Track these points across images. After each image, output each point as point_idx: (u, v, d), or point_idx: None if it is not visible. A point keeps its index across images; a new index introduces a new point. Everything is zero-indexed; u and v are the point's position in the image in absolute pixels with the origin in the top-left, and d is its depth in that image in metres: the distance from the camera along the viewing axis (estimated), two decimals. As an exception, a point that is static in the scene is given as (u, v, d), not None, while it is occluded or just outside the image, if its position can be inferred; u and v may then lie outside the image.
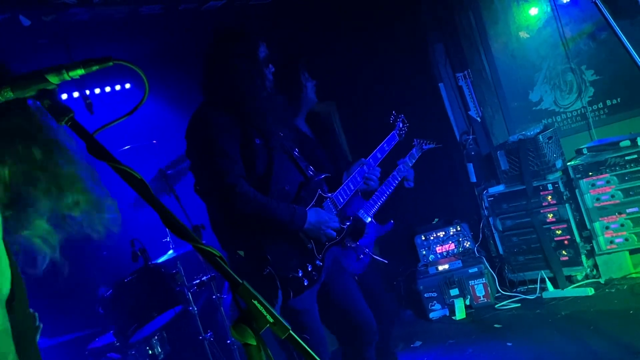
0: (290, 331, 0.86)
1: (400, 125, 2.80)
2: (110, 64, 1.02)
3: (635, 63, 1.90)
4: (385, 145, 2.73)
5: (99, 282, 3.85)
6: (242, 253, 2.45)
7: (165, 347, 3.59)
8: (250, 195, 2.28)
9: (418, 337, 3.83)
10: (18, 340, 1.06)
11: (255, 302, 0.87)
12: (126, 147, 3.90)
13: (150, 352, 3.53)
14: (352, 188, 2.57)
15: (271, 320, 0.87)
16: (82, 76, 1.03)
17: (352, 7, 4.15)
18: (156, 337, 3.56)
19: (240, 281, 0.87)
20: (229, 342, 3.29)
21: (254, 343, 0.86)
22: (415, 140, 3.10)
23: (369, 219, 2.83)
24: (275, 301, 2.38)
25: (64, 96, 4.03)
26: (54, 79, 0.98)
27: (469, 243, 4.01)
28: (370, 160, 2.65)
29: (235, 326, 0.86)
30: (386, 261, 3.05)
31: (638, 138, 3.66)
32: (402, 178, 2.94)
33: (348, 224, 2.52)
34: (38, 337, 1.51)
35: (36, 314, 1.57)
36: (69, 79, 1.01)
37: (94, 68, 1.00)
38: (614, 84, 3.91)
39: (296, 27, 4.23)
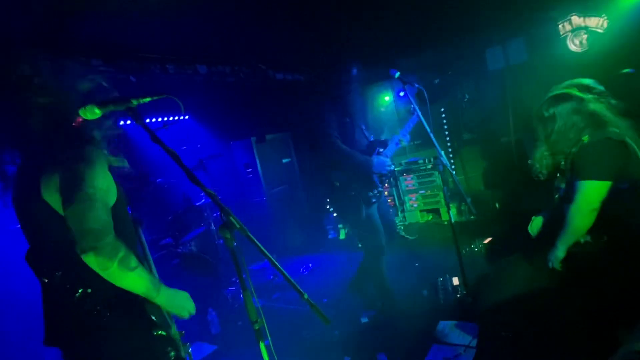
0: (244, 227, 1.07)
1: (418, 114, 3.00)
2: (164, 96, 1.24)
3: (424, 126, 2.61)
4: (410, 123, 3.06)
5: (160, 214, 4.60)
6: (337, 183, 2.67)
7: (197, 246, 4.41)
8: (342, 147, 2.57)
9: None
10: (121, 233, 1.36)
11: (231, 217, 1.07)
12: (184, 147, 5.14)
13: (190, 248, 4.32)
14: (394, 148, 2.94)
15: (237, 226, 1.07)
16: (160, 106, 1.64)
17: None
18: (192, 242, 4.38)
19: (226, 208, 1.07)
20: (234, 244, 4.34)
21: (229, 236, 1.10)
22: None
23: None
24: (361, 210, 2.64)
25: (153, 120, 4.89)
26: (134, 102, 1.23)
27: (335, 210, 4.17)
28: (403, 131, 3.02)
29: (221, 228, 1.11)
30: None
31: (425, 159, 5.61)
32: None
33: (393, 167, 2.86)
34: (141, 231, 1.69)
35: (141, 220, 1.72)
36: (142, 102, 1.25)
37: (155, 98, 1.22)
38: (419, 133, 5.56)
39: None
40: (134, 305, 1.42)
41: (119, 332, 1.38)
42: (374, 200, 2.69)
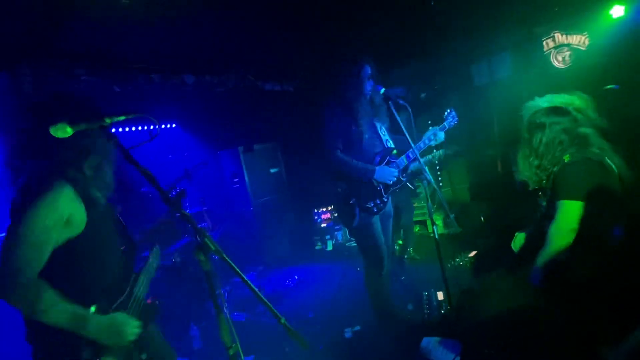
0: (219, 249, 1.06)
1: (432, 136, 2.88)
2: (139, 115, 1.23)
3: (405, 134, 2.52)
4: (426, 140, 2.88)
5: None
6: (339, 190, 2.69)
7: (181, 257, 4.38)
8: (339, 158, 2.55)
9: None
10: (93, 261, 1.46)
11: (206, 239, 1.08)
12: (170, 156, 5.14)
13: (173, 260, 4.32)
14: (410, 157, 2.82)
15: (213, 248, 1.09)
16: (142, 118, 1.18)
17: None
18: (177, 252, 4.36)
19: (199, 228, 1.08)
20: (215, 258, 4.39)
21: (204, 258, 1.12)
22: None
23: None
24: (354, 219, 2.64)
25: (139, 128, 4.88)
26: (107, 120, 1.18)
27: (336, 214, 5.51)
28: (418, 145, 2.82)
29: (196, 250, 1.12)
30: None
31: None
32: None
33: (404, 178, 2.81)
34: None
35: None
36: (116, 120, 1.19)
37: (130, 116, 1.21)
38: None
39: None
40: (67, 338, 1.39)
41: None
42: (375, 210, 2.66)
